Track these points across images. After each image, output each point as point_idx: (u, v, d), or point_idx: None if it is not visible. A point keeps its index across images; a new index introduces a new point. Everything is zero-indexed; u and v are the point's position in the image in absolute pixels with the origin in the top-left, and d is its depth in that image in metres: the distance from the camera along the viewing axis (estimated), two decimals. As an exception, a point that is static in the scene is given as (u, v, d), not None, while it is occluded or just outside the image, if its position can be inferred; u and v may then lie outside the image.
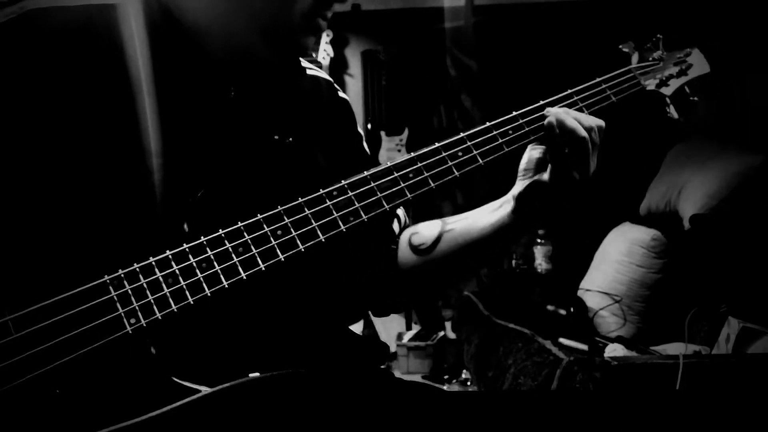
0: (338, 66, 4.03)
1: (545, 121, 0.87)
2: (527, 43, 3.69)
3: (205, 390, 0.67)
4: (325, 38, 3.87)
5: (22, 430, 0.63)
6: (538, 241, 3.23)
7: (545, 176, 0.88)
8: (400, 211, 1.04)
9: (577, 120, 0.85)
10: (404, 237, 1.01)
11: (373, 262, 1.00)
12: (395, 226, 1.02)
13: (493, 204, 0.95)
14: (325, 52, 3.85)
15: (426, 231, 0.99)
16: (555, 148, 0.86)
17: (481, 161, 0.84)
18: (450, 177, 0.82)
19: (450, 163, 0.83)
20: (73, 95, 0.74)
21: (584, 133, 0.84)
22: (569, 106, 0.91)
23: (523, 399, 1.00)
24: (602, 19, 3.50)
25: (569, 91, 0.92)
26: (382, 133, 3.93)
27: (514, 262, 3.38)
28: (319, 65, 0.96)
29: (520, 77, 3.62)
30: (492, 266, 3.39)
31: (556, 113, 0.86)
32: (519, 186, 0.91)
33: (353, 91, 4.02)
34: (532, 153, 0.91)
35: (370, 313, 1.11)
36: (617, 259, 2.50)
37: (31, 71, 0.73)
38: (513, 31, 3.76)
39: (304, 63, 0.98)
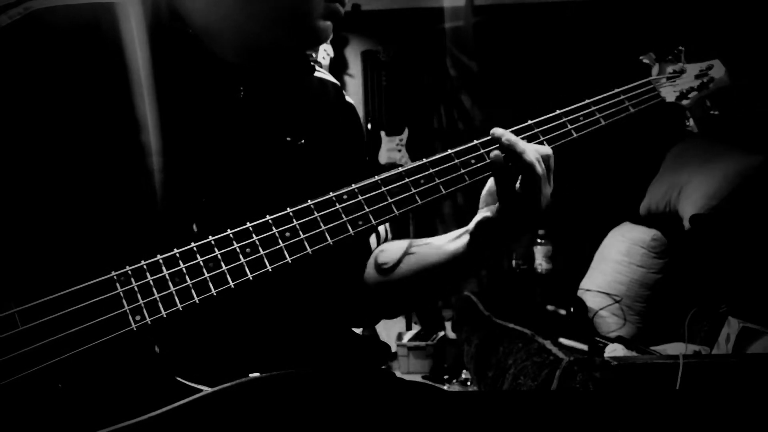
0: (338, 66, 4.03)
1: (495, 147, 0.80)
2: (528, 43, 3.70)
3: (206, 389, 0.67)
4: (326, 38, 3.86)
5: (24, 423, 0.63)
6: (538, 241, 3.23)
7: (493, 212, 0.85)
8: (382, 228, 1.02)
9: (532, 150, 0.80)
10: (375, 253, 1.00)
11: (344, 275, 0.99)
12: (372, 241, 1.01)
13: (455, 232, 0.93)
14: (325, 52, 3.85)
15: (392, 251, 0.97)
16: (502, 176, 0.81)
17: None
18: (462, 184, 0.81)
19: (462, 171, 0.81)
20: (81, 94, 0.74)
21: (532, 158, 0.78)
22: (587, 116, 0.89)
23: (523, 399, 1.00)
24: (602, 19, 3.51)
25: (587, 101, 0.91)
26: (382, 133, 3.93)
27: (514, 262, 3.38)
28: (319, 65, 0.96)
29: (520, 78, 3.62)
30: (492, 266, 3.40)
31: (502, 134, 0.80)
32: (474, 219, 0.88)
33: (353, 91, 4.03)
34: (492, 182, 0.87)
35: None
36: (617, 259, 2.50)
37: (38, 71, 0.73)
38: (513, 31, 3.77)
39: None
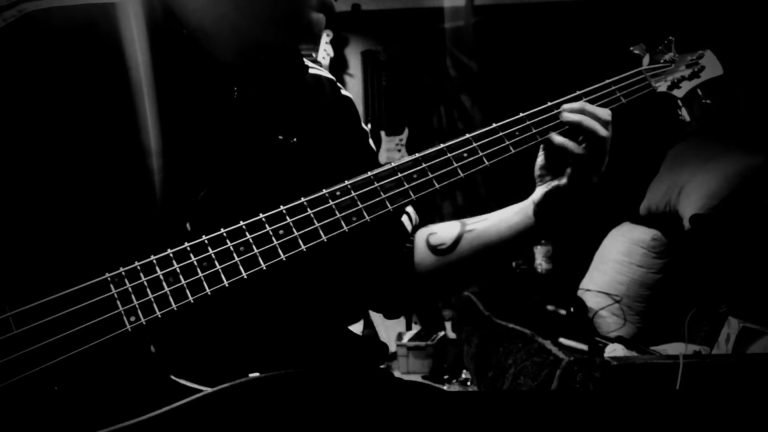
0: (338, 66, 4.04)
1: (563, 118, 0.87)
2: (528, 43, 3.70)
3: (204, 389, 0.67)
4: (325, 38, 3.87)
5: (20, 426, 0.63)
6: (538, 241, 3.23)
7: (564, 181, 0.87)
8: (411, 210, 1.03)
9: (595, 116, 0.86)
10: (420, 237, 1.00)
11: (389, 262, 0.99)
12: (407, 225, 1.01)
13: (513, 207, 0.95)
14: (325, 51, 3.85)
15: (444, 231, 0.98)
16: (572, 153, 0.86)
17: (487, 163, 0.83)
18: (455, 178, 0.82)
19: (455, 165, 0.82)
20: (76, 95, 0.74)
21: (605, 133, 0.84)
22: None
23: (523, 399, 0.99)
24: (603, 19, 3.51)
25: (578, 92, 0.91)
26: (382, 133, 3.94)
27: (514, 262, 3.38)
28: (319, 65, 0.96)
29: (520, 77, 3.62)
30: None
31: (570, 111, 0.86)
32: (539, 191, 0.91)
33: (353, 91, 4.02)
34: (546, 156, 0.91)
35: (381, 315, 1.10)
36: (617, 259, 2.50)
37: (33, 73, 0.73)
38: (513, 31, 3.77)
39: (306, 62, 0.98)
